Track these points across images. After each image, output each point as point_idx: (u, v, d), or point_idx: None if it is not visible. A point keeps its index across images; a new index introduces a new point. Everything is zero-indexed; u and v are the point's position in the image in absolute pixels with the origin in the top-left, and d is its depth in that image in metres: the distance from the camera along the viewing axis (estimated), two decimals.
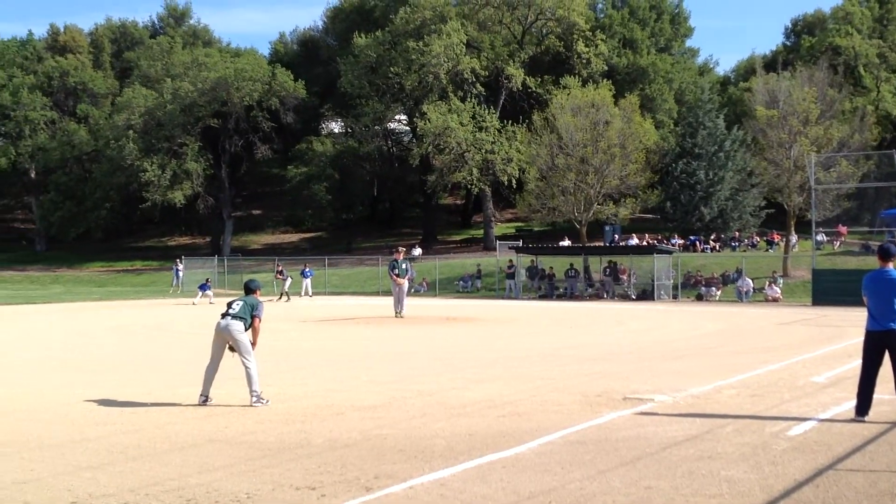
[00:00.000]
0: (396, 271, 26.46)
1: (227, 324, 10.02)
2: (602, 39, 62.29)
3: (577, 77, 55.18)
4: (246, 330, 10.09)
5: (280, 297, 40.31)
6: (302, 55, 78.04)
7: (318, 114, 76.46)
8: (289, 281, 41.29)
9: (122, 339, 20.63)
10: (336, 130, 78.55)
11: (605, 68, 61.73)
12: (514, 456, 7.34)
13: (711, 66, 77.29)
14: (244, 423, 9.02)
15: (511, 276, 43.60)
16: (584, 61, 60.87)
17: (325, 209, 65.77)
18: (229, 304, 10.32)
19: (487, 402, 10.25)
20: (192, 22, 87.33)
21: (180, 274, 50.11)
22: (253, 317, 10.14)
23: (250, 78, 63.68)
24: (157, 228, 78.14)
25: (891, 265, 9.18)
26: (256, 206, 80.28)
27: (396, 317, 26.09)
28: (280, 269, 42.86)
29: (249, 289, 10.60)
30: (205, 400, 10.12)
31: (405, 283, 26.80)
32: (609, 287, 41.89)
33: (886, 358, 8.97)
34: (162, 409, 9.88)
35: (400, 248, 30.13)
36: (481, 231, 64.69)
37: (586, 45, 61.27)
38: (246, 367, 9.99)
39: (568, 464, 7.02)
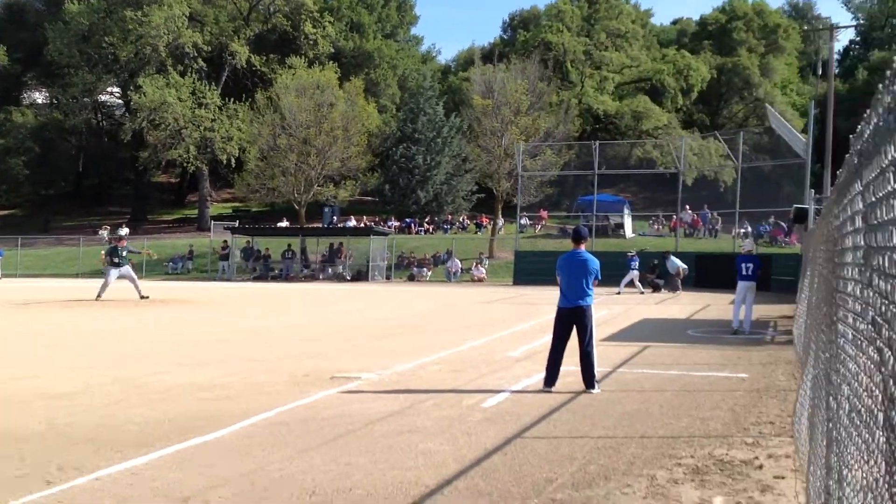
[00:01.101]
0: (117, 259, 24.73)
1: None
2: (330, 21, 62.40)
3: (303, 58, 54.90)
4: None
5: None
6: (5, 19, 70.83)
7: (20, 82, 70.27)
8: None
9: None
10: (40, 101, 72.62)
11: (332, 50, 61.97)
12: (216, 440, 7.13)
13: (434, 54, 80.00)
14: None
15: (225, 257, 42.62)
16: (311, 42, 60.70)
17: (21, 184, 60.27)
18: None
19: (192, 385, 9.89)
20: None
21: None
22: None
23: None
24: None
25: (583, 247, 10.03)
26: None
27: (97, 300, 24.45)
28: None
29: None
30: None
31: (124, 269, 24.99)
32: (325, 268, 42.20)
33: (574, 333, 9.73)
34: None
35: (121, 233, 28.14)
36: (196, 211, 62.50)
37: (314, 26, 61.11)
38: None
39: (270, 445, 6.94)
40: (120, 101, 67.20)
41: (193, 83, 55.42)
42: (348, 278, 40.90)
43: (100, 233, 53.39)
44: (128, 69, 57.92)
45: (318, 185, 46.93)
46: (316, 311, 22.61)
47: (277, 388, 9.74)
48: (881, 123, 2.20)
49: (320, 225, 50.00)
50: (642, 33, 72.40)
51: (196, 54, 57.51)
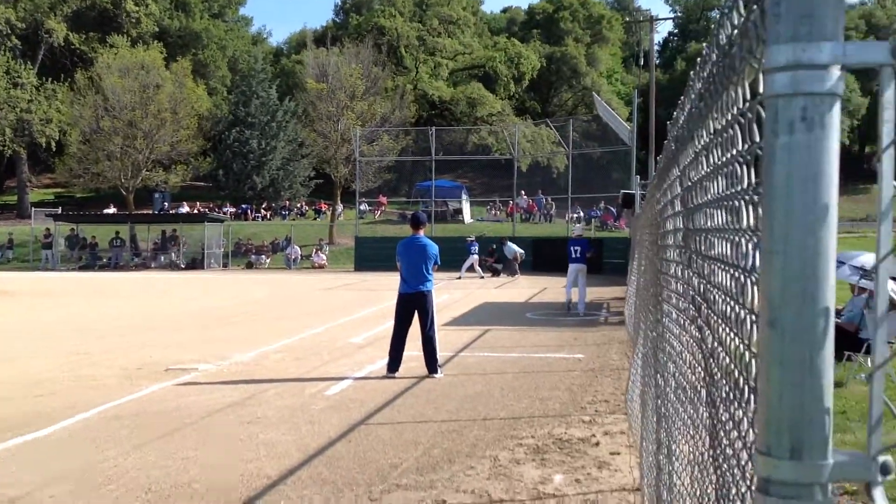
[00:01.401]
0: None
1: None
2: None
3: (125, 36, 52.57)
4: None
5: None
6: None
7: None
8: None
9: None
10: None
11: (157, 30, 59.60)
12: (44, 437, 6.80)
13: (265, 36, 78.22)
14: None
15: (48, 245, 40.33)
16: (134, 20, 58.15)
17: None
18: None
19: (16, 381, 9.35)
20: None
21: None
22: None
23: None
24: None
25: (422, 232, 10.10)
26: None
27: None
28: None
29: None
30: None
31: None
32: (158, 256, 40.69)
33: (416, 318, 9.83)
34: None
35: None
36: (15, 197, 58.74)
37: (136, 4, 58.61)
38: None
39: (102, 441, 6.67)
40: None
41: (7, 62, 51.96)
42: (182, 266, 39.57)
43: None
44: None
45: (147, 170, 45.10)
46: (148, 301, 21.76)
47: (108, 381, 9.35)
48: (694, 110, 2.28)
49: (151, 211, 48.08)
50: (473, 20, 73.50)
51: (9, 31, 53.89)
